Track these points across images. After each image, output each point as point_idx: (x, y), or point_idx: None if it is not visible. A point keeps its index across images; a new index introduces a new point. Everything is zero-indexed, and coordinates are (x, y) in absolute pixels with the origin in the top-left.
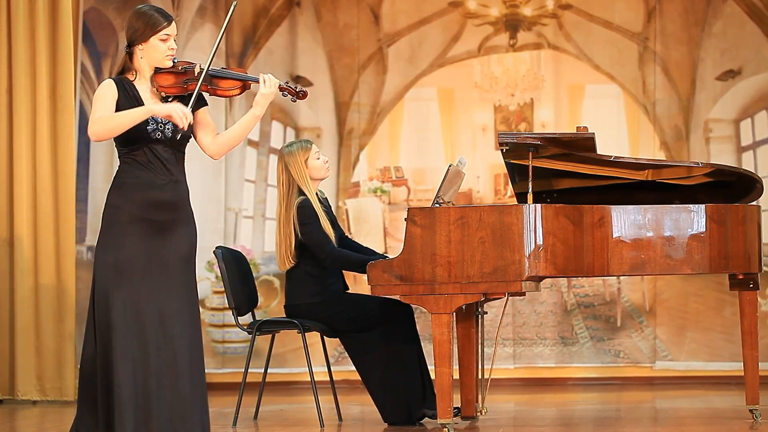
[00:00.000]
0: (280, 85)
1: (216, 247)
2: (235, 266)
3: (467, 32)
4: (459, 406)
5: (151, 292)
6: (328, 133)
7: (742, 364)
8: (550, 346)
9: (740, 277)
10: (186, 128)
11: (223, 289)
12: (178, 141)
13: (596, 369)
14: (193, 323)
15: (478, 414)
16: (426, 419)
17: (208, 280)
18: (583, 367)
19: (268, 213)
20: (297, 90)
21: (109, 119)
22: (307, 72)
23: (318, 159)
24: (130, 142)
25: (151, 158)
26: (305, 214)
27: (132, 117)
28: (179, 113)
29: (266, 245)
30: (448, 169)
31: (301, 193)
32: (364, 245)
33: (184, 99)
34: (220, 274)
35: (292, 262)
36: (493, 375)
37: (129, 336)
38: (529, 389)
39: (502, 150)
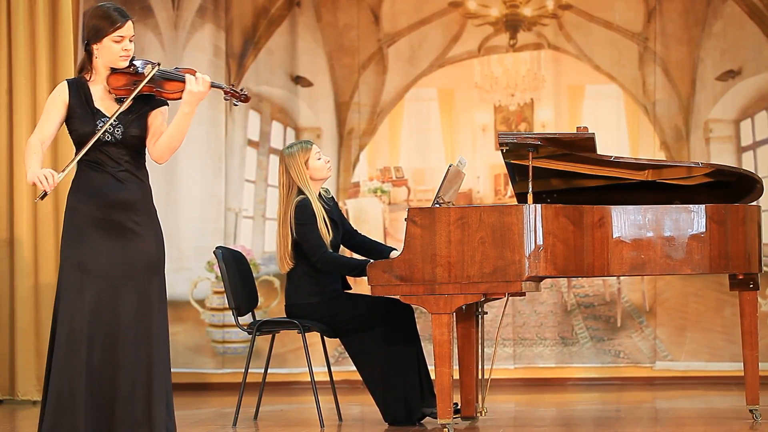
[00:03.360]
0: (225, 89)
1: (216, 247)
2: (235, 266)
3: (467, 32)
4: (457, 402)
5: (116, 292)
6: (328, 133)
7: (742, 364)
8: (550, 347)
9: (740, 277)
10: (47, 191)
11: (223, 289)
12: (129, 141)
13: (596, 369)
14: (162, 324)
15: (478, 414)
16: (426, 419)
17: (208, 280)
18: (583, 368)
19: (268, 213)
20: (240, 93)
21: (26, 152)
22: (307, 72)
23: (319, 159)
24: (81, 145)
25: (105, 159)
26: (303, 213)
27: (27, 167)
28: (41, 178)
29: (266, 245)
30: (448, 170)
31: (301, 194)
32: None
33: (134, 100)
34: (220, 274)
35: (291, 263)
36: (493, 375)
37: (94, 336)
38: (529, 389)
39: (502, 150)
